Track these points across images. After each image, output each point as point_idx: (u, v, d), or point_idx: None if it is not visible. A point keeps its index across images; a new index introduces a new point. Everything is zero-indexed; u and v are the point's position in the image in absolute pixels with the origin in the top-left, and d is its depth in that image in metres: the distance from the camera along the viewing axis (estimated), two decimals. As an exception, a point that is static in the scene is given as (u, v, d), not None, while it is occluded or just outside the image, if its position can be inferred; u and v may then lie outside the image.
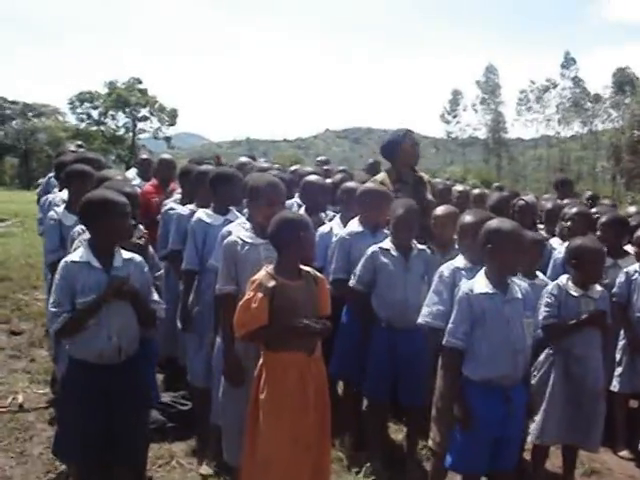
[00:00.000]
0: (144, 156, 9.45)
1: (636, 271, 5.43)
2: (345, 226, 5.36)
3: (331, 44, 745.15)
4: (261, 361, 3.75)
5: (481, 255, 3.94)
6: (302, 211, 5.75)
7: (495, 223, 3.92)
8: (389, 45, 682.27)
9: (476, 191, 8.26)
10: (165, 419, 5.29)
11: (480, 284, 3.85)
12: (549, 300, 4.51)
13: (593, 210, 6.63)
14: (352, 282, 4.90)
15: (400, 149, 6.02)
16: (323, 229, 5.53)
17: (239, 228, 4.34)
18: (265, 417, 3.64)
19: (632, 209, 7.78)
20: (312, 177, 6.09)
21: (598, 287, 4.62)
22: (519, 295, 3.88)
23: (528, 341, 3.88)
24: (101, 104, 66.40)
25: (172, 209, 5.76)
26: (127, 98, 66.14)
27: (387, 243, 4.86)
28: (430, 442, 4.29)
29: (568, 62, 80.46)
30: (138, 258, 3.90)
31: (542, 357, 4.55)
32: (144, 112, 68.35)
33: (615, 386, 5.42)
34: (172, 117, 69.47)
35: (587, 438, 4.50)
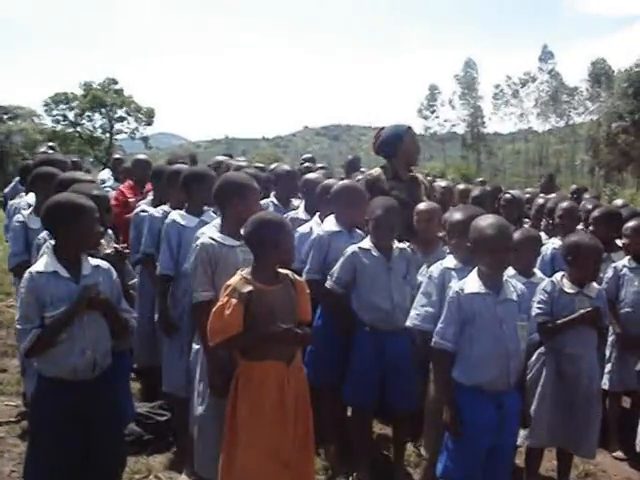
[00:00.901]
0: (116, 156, 9.26)
1: (624, 266, 5.32)
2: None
3: (308, 42, 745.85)
4: (237, 370, 3.54)
5: (470, 254, 3.77)
6: (302, 209, 5.63)
7: (483, 219, 3.74)
8: (366, 42, 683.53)
9: (461, 186, 8.13)
10: (142, 431, 5.07)
11: (472, 284, 3.67)
12: (542, 297, 4.36)
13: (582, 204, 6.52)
14: (329, 283, 4.66)
15: (401, 146, 5.81)
16: (303, 229, 5.30)
17: (214, 230, 4.13)
18: (242, 430, 3.44)
19: (619, 202, 7.72)
20: (312, 175, 5.94)
21: (595, 285, 4.46)
22: (514, 297, 3.69)
23: (522, 345, 3.68)
24: (77, 105, 65.58)
25: (144, 211, 5.54)
26: (103, 99, 65.40)
27: (367, 243, 4.63)
28: (422, 449, 4.10)
29: (546, 55, 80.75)
30: (105, 265, 3.64)
31: (534, 357, 4.36)
32: (121, 113, 67.60)
33: (605, 384, 5.24)
34: (149, 117, 68.74)
35: (580, 443, 4.35)
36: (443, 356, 3.70)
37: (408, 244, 4.85)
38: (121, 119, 67.72)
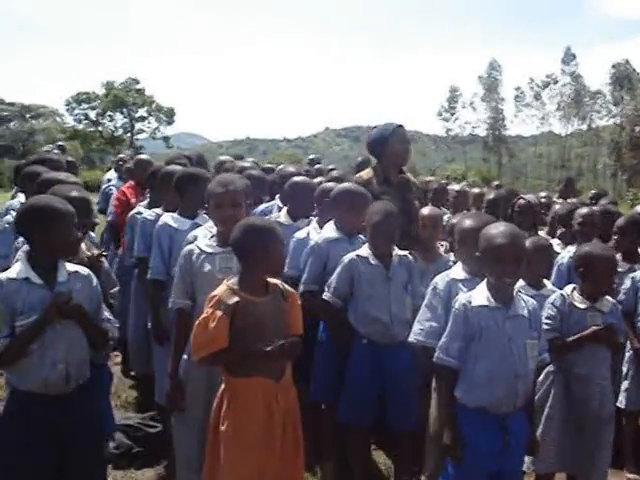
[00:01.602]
0: (120, 155, 9.04)
1: None
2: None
3: (331, 42, 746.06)
4: (222, 387, 3.29)
5: (478, 264, 3.50)
6: (284, 215, 5.31)
7: (493, 227, 3.45)
8: (388, 43, 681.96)
9: (475, 190, 7.85)
10: (131, 443, 4.85)
11: (480, 296, 3.39)
12: (551, 312, 4.05)
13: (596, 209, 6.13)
14: (327, 295, 4.36)
15: (387, 147, 5.32)
16: (300, 234, 4.99)
17: (205, 233, 3.90)
18: (226, 451, 3.18)
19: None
20: (298, 177, 5.58)
21: (609, 299, 4.15)
22: (525, 312, 3.41)
23: (531, 365, 3.39)
24: (98, 105, 66.14)
25: (139, 213, 5.32)
26: (124, 98, 65.88)
27: (364, 250, 4.34)
28: (423, 475, 3.82)
29: (568, 57, 79.83)
30: (85, 271, 3.39)
31: (542, 376, 4.05)
32: (142, 112, 68.15)
33: (622, 402, 4.90)
34: (170, 117, 69.28)
35: (590, 471, 4.04)
36: (446, 373, 3.42)
37: (409, 252, 4.58)
38: (142, 119, 68.67)
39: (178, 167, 5.19)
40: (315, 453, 4.39)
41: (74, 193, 3.74)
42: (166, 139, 68.39)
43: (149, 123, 68.51)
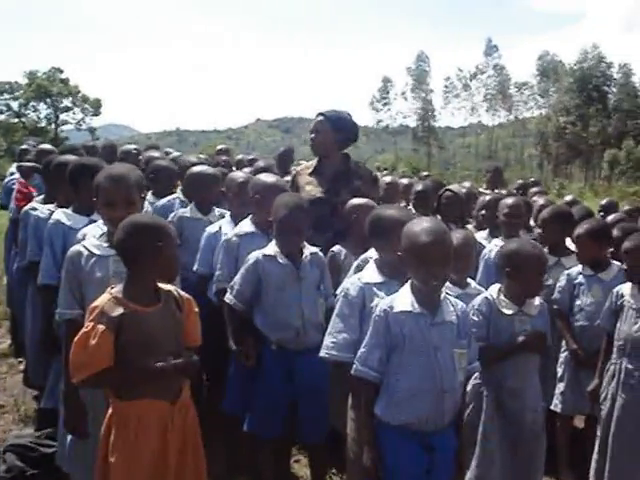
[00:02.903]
0: (23, 146, 8.36)
1: (580, 273, 4.63)
2: (236, 225, 4.47)
3: (262, 34, 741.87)
4: (110, 412, 2.85)
5: (401, 264, 3.12)
6: (192, 209, 4.89)
7: (417, 224, 3.07)
8: (320, 34, 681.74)
9: (404, 181, 7.54)
10: (24, 466, 4.34)
11: (403, 301, 3.01)
12: (476, 319, 3.64)
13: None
14: (229, 298, 3.97)
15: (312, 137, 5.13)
16: (211, 229, 4.61)
17: (97, 231, 3.46)
18: (115, 485, 2.75)
19: (568, 198, 7.17)
20: (198, 168, 5.15)
21: (537, 300, 3.79)
22: (453, 318, 3.05)
23: (460, 377, 3.04)
24: (21, 95, 64.03)
25: (34, 209, 4.78)
26: (48, 88, 63.99)
27: (272, 248, 3.94)
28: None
29: (490, 49, 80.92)
30: None
31: (469, 387, 3.63)
32: (66, 103, 66.38)
33: (557, 405, 4.61)
34: (96, 107, 67.68)
35: None
36: (364, 387, 3.05)
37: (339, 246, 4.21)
38: (67, 109, 66.99)
39: (72, 157, 4.67)
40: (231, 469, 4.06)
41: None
42: (92, 130, 66.65)
43: (74, 114, 66.89)
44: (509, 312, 3.68)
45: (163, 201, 5.41)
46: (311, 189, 4.91)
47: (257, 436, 3.98)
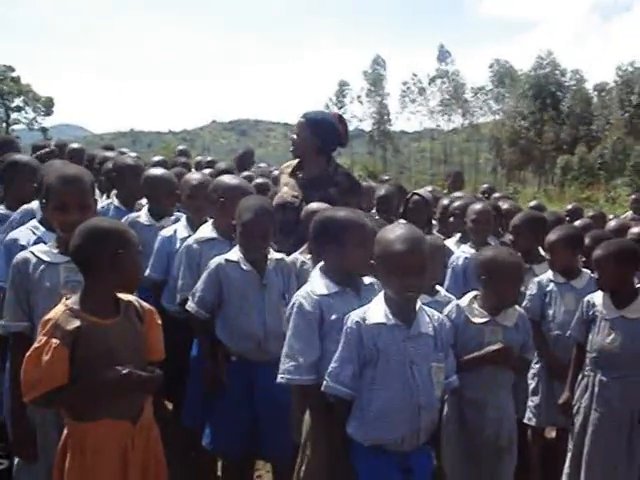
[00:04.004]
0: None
1: (551, 280, 4.48)
2: (194, 231, 4.26)
3: (218, 35, 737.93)
4: (65, 433, 2.63)
5: (373, 273, 2.98)
6: (145, 214, 4.66)
7: (390, 230, 2.92)
8: (277, 36, 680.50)
9: (363, 184, 7.40)
10: (-30, 485, 4.09)
11: (376, 312, 2.85)
12: None
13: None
14: (191, 305, 3.74)
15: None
16: (165, 232, 4.40)
17: (28, 234, 3.27)
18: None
19: (532, 203, 7.11)
20: (155, 171, 4.91)
21: (516, 310, 3.65)
22: (429, 330, 2.89)
23: (437, 392, 2.88)
24: (-30, 93, 62.65)
25: None
26: (-2, 87, 62.67)
27: (235, 254, 3.73)
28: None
29: (443, 55, 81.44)
30: None
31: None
32: (18, 102, 65.13)
33: (530, 419, 4.45)
34: (48, 107, 66.52)
35: None
36: (337, 405, 2.88)
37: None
38: (18, 109, 65.67)
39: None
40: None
41: None
42: (44, 130, 65.43)
43: (26, 113, 65.63)
44: (480, 321, 3.54)
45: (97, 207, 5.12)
46: (286, 191, 4.76)
47: (216, 455, 3.80)
